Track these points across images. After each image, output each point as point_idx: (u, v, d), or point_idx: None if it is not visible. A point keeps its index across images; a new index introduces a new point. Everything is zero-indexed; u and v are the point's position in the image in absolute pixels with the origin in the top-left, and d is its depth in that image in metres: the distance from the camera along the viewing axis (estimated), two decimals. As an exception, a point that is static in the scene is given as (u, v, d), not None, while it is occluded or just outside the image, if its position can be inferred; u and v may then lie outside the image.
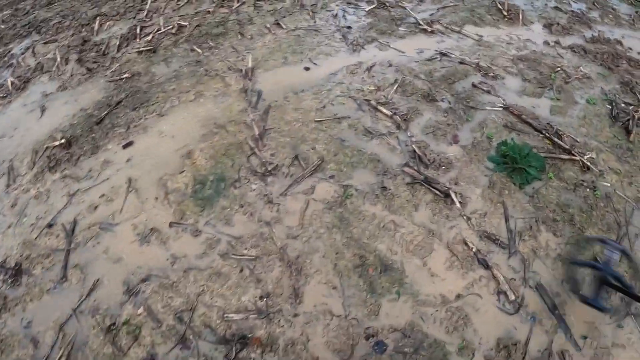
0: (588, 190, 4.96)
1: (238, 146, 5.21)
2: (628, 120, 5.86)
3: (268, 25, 7.29)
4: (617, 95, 6.21)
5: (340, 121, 5.40)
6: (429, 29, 7.03)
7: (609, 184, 5.07)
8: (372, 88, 5.87)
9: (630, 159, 5.43)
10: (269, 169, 4.92)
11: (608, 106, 6.03)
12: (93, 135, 5.65)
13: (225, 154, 5.13)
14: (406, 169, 4.84)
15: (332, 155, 5.03)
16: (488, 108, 5.61)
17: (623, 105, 6.07)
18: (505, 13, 7.51)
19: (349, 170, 4.88)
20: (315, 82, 6.03)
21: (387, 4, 7.78)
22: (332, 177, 4.81)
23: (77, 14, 8.40)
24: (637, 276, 4.11)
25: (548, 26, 7.41)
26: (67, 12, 8.59)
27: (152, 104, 5.95)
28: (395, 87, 5.84)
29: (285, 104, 5.70)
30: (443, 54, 6.50)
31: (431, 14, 7.56)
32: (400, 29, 7.12)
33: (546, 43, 7.01)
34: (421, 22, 7.18)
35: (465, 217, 4.50)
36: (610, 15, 8.02)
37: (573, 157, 5.17)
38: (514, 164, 4.86)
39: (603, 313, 3.82)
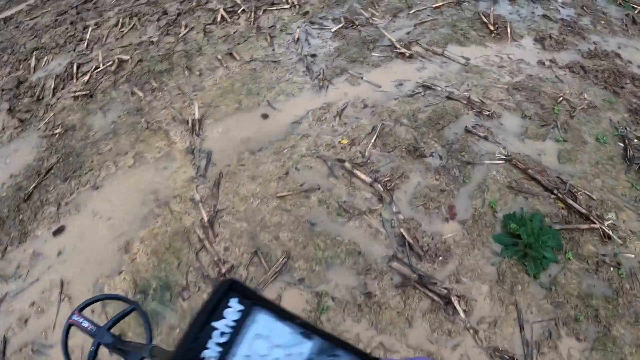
0: (612, 269, 4.14)
1: (185, 236, 4.17)
2: (645, 162, 4.97)
3: (219, 57, 6.14)
4: (627, 128, 5.32)
5: (309, 195, 4.38)
6: (407, 53, 5.98)
7: (633, 255, 4.26)
8: (345, 141, 4.84)
9: None
10: (223, 270, 3.91)
11: (620, 144, 5.14)
12: (21, 216, 4.66)
13: (169, 248, 4.10)
14: (394, 264, 3.87)
15: (301, 247, 4.03)
16: (487, 162, 4.66)
17: (636, 141, 5.18)
18: (491, 27, 6.49)
19: (323, 269, 3.89)
20: (276, 135, 4.98)
21: (356, 23, 6.67)
22: (301, 281, 3.83)
23: (16, 46, 7.13)
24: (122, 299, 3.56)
25: (540, 40, 6.43)
26: (6, 44, 7.32)
27: (86, 172, 4.90)
28: (373, 139, 4.83)
29: (240, 170, 4.65)
30: (427, 87, 5.49)
31: (407, 33, 6.49)
32: (373, 54, 6.06)
33: (541, 63, 6.04)
34: (397, 45, 6.12)
35: (471, 331, 3.56)
36: (602, 22, 7.09)
37: (592, 224, 4.26)
38: (527, 248, 3.91)
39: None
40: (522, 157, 4.78)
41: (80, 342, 3.28)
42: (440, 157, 4.71)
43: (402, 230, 4.10)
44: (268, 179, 4.54)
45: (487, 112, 5.16)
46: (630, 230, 4.43)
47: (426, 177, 4.54)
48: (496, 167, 4.65)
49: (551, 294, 3.88)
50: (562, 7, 7.29)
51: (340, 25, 6.61)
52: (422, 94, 5.42)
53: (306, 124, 5.08)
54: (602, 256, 4.19)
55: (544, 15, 7.01)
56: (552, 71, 5.92)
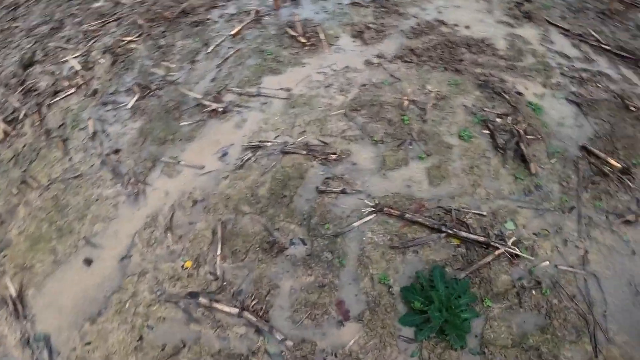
0: (534, 292, 3.65)
1: None
2: (517, 143, 4.47)
3: (15, 190, 4.78)
4: (484, 109, 4.75)
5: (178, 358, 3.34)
6: (219, 108, 4.99)
7: (547, 262, 3.81)
8: (190, 264, 3.85)
9: (547, 203, 4.17)
10: None
11: (485, 131, 4.53)
12: None
13: None
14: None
15: None
16: (356, 224, 3.88)
17: (498, 120, 4.69)
18: (302, 39, 5.62)
19: None
20: (109, 285, 3.90)
21: (153, 87, 5.50)
22: None
23: None
24: None
25: (358, 35, 5.71)
26: None
27: None
28: (219, 249, 3.85)
29: (88, 352, 3.54)
30: (255, 147, 4.56)
31: (213, 80, 5.48)
32: (182, 123, 5.01)
33: (369, 63, 5.35)
34: (205, 101, 5.08)
35: None
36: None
37: (496, 250, 3.73)
38: (439, 320, 3.20)
39: None
40: (391, 198, 4.05)
41: None
42: (303, 242, 3.85)
43: (299, 366, 3.18)
44: (123, 354, 3.46)
45: (334, 155, 4.35)
46: (533, 234, 3.93)
47: (297, 277, 3.68)
48: (368, 225, 3.88)
49: (486, 358, 3.22)
50: (365, -14, 6.57)
51: (136, 97, 5.42)
52: (253, 158, 4.49)
53: (137, 256, 3.99)
54: (519, 281, 3.69)
55: (354, 3, 6.24)
56: (383, 69, 5.21)
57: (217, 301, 3.62)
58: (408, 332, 3.39)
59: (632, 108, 5.34)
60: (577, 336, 3.48)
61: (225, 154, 4.58)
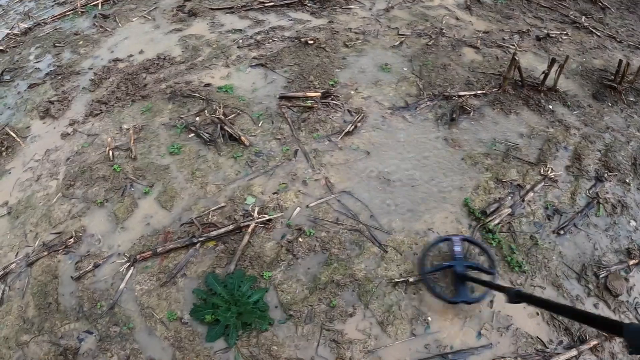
0: (300, 239, 4.02)
1: None
2: (222, 128, 4.74)
3: None
4: (182, 117, 5.01)
5: None
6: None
7: (297, 208, 4.25)
8: None
9: (272, 162, 4.62)
10: None
11: (191, 135, 4.80)
12: None
13: None
14: None
15: None
16: (122, 286, 3.95)
17: (198, 119, 4.99)
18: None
19: None
20: None
21: None
22: None
23: None
24: (490, 257, 3.77)
25: (46, 115, 5.55)
26: None
27: None
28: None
29: None
30: (2, 277, 4.25)
31: None
32: None
33: (66, 135, 5.24)
34: None
35: None
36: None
37: (247, 227, 4.04)
38: (233, 318, 3.49)
39: (475, 304, 3.51)
40: (139, 244, 4.10)
41: None
42: (90, 332, 3.74)
43: None
44: None
45: (71, 240, 4.25)
46: (273, 194, 4.36)
47: None
48: (133, 280, 3.92)
49: (295, 318, 3.59)
50: None
51: None
52: (7, 287, 4.18)
53: None
54: (283, 239, 4.01)
55: (31, 85, 5.97)
56: (80, 134, 5.13)
57: None
58: (220, 343, 3.48)
59: (310, 41, 5.89)
60: (360, 247, 3.91)
61: None
